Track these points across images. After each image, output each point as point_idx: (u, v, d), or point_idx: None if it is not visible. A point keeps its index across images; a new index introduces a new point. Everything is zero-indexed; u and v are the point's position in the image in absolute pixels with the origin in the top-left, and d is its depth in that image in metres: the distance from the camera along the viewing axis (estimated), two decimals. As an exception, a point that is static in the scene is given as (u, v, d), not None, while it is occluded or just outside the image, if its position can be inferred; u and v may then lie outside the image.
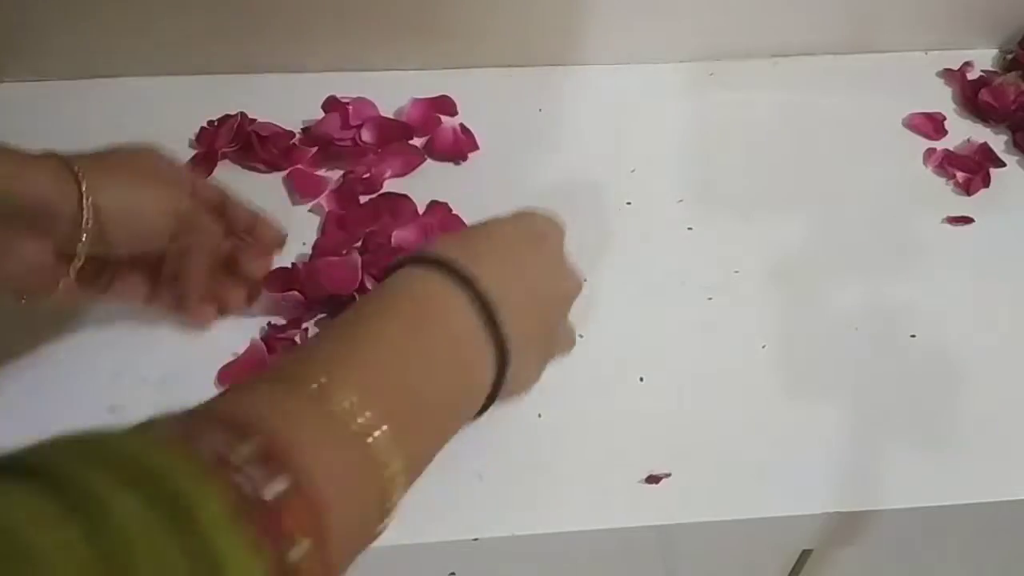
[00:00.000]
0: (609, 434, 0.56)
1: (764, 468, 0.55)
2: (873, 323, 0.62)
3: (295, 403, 0.36)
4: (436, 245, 0.46)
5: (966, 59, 0.80)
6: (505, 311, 0.44)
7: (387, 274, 0.45)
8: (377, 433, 0.36)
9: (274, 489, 0.31)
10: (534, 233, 0.50)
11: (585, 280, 0.53)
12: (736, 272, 0.65)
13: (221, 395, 0.36)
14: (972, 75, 0.79)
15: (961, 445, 0.57)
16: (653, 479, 0.54)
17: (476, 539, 0.52)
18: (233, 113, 0.70)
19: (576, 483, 0.54)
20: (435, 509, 0.52)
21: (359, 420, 0.36)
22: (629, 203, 0.69)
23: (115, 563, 0.27)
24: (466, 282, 0.44)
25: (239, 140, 0.69)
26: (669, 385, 0.59)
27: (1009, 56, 0.81)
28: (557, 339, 0.52)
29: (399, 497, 0.38)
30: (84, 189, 0.50)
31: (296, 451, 0.33)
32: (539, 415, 0.57)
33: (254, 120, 0.70)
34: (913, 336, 0.62)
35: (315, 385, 0.36)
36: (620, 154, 0.72)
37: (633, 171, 0.71)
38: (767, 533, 0.55)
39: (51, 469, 0.29)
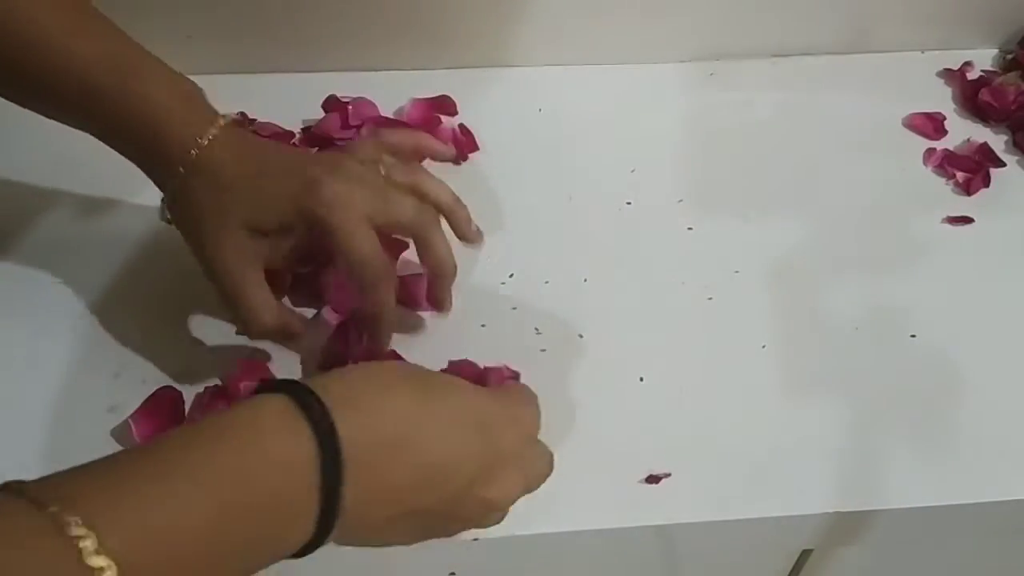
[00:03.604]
0: (609, 434, 0.56)
1: (764, 468, 0.55)
2: (873, 323, 0.62)
3: (32, 539, 0.32)
4: (334, 378, 0.41)
5: (966, 59, 0.80)
6: (355, 461, 0.38)
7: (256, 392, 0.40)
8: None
9: None
10: (487, 418, 0.44)
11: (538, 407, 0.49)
12: (736, 272, 0.65)
13: None
14: (972, 75, 0.79)
15: (961, 445, 0.57)
16: (653, 479, 0.54)
17: (476, 539, 0.52)
18: (233, 113, 0.70)
19: (576, 483, 0.54)
20: (435, 509, 0.52)
21: (93, 561, 0.31)
22: (629, 203, 0.69)
23: None
24: (321, 426, 0.38)
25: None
26: (669, 385, 0.59)
27: (1009, 56, 0.81)
28: (464, 513, 0.45)
29: None
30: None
31: None
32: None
33: (254, 120, 0.70)
34: (913, 336, 0.62)
35: (56, 508, 0.32)
36: (620, 154, 0.72)
37: (633, 171, 0.71)
38: (767, 533, 0.55)
39: None
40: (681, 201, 0.69)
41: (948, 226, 0.69)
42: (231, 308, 0.54)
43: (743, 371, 0.60)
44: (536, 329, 0.61)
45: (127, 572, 0.31)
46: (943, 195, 0.71)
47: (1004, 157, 0.73)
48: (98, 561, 0.31)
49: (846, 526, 0.55)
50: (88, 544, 0.31)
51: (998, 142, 0.74)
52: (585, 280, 0.64)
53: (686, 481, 0.54)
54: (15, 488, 0.33)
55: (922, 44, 0.81)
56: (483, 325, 0.61)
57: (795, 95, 0.77)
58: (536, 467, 0.47)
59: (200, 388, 0.56)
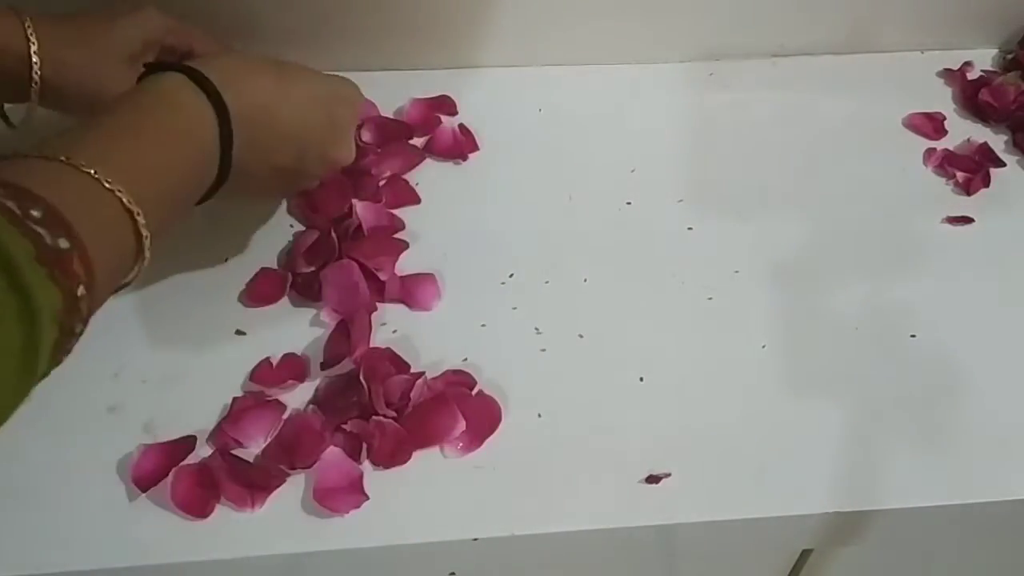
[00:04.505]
0: (609, 434, 0.56)
1: (764, 468, 0.55)
2: (873, 323, 0.62)
3: (60, 174, 0.43)
4: (210, 62, 0.52)
5: (966, 59, 0.80)
6: (239, 125, 0.51)
7: (142, 76, 0.52)
8: (123, 193, 0.44)
9: (62, 244, 0.39)
10: (323, 94, 0.57)
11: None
12: (736, 272, 0.65)
13: None
14: (972, 75, 0.79)
15: (961, 445, 0.57)
16: (653, 479, 0.54)
17: (476, 539, 0.52)
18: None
19: (576, 483, 0.54)
20: (435, 509, 0.52)
21: (107, 184, 0.43)
22: (629, 203, 0.69)
23: None
24: (213, 97, 0.50)
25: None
26: (669, 385, 0.59)
27: (1009, 56, 0.81)
28: (313, 166, 0.57)
29: (148, 244, 0.46)
30: (31, 37, 0.55)
31: (71, 216, 0.40)
32: (539, 415, 0.57)
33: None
34: (913, 336, 0.62)
35: (64, 157, 0.43)
36: (620, 154, 0.72)
37: (633, 171, 0.71)
38: (767, 533, 0.55)
39: None
40: (681, 201, 0.69)
41: (948, 226, 0.69)
42: None
43: (743, 371, 0.60)
44: (536, 329, 0.61)
45: (123, 187, 0.44)
46: (943, 195, 0.71)
47: (1004, 157, 0.73)
48: (107, 183, 0.43)
49: (846, 526, 0.55)
50: (98, 173, 0.43)
51: (998, 142, 0.74)
52: (585, 280, 0.64)
53: (686, 481, 0.54)
54: (21, 152, 0.43)
55: (922, 44, 0.81)
56: (483, 325, 0.61)
57: (795, 95, 0.77)
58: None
59: (201, 386, 0.56)
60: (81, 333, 0.42)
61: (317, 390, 0.57)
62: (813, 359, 0.61)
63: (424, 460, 0.54)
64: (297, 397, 0.57)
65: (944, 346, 0.62)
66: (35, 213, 0.39)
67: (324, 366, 0.58)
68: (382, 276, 0.61)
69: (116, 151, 0.46)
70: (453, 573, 0.54)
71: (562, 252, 0.65)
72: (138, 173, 0.45)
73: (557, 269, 0.64)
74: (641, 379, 0.59)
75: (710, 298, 0.63)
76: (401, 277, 0.62)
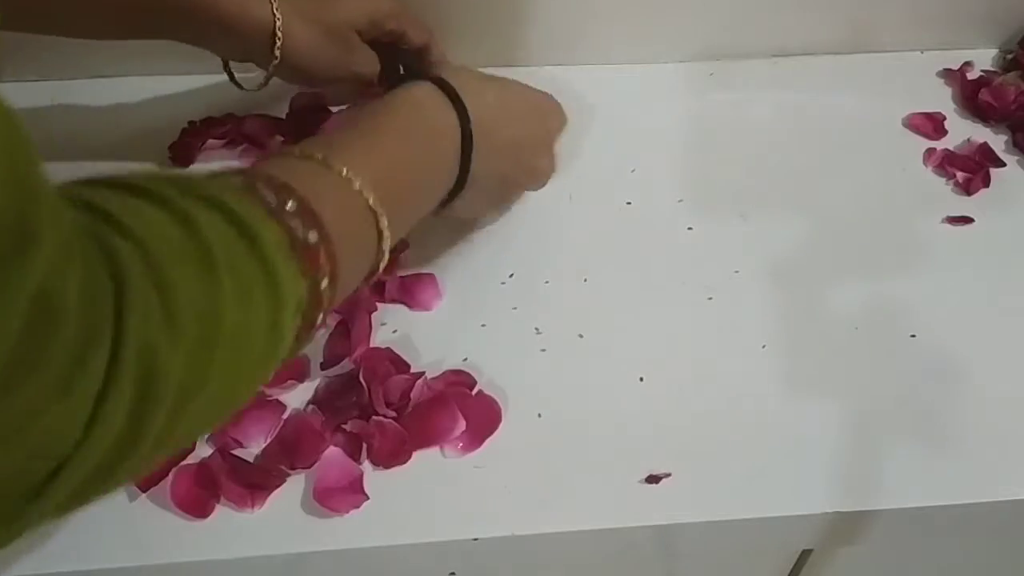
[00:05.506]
0: (609, 434, 0.56)
1: (764, 468, 0.55)
2: (873, 323, 0.62)
3: (316, 172, 0.46)
4: (449, 74, 0.56)
5: (966, 59, 0.80)
6: (477, 131, 0.54)
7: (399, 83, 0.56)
8: (370, 194, 0.47)
9: (311, 237, 0.41)
10: (537, 106, 0.62)
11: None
12: (736, 272, 0.65)
13: (259, 163, 0.47)
14: (972, 75, 0.79)
15: (961, 445, 0.57)
16: (653, 479, 0.54)
17: (476, 539, 0.52)
18: (233, 112, 0.70)
19: (576, 483, 0.54)
20: (435, 509, 0.52)
21: (356, 185, 0.46)
22: (629, 203, 0.69)
23: (206, 254, 0.36)
24: (458, 105, 0.54)
25: (239, 139, 0.70)
26: (669, 385, 0.59)
27: (1009, 56, 0.81)
28: (524, 176, 0.62)
29: (387, 246, 0.48)
30: (277, 13, 0.58)
31: (321, 211, 0.43)
32: (539, 415, 0.57)
33: (244, 118, 0.71)
34: (913, 336, 0.62)
35: (320, 156, 0.47)
36: (620, 154, 0.72)
37: (633, 171, 0.71)
38: (767, 533, 0.55)
39: (148, 188, 0.37)
40: (681, 201, 0.69)
41: (948, 226, 0.69)
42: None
43: (743, 371, 0.59)
44: (536, 329, 0.61)
45: (370, 189, 0.47)
46: (943, 195, 0.71)
47: (1004, 157, 0.73)
48: (356, 184, 0.46)
49: (846, 526, 0.55)
50: (349, 174, 0.46)
51: (998, 142, 0.74)
52: (585, 280, 0.64)
53: (686, 481, 0.54)
54: (284, 151, 0.49)
55: (922, 44, 0.81)
56: (483, 325, 0.61)
57: (795, 95, 0.77)
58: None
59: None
60: (322, 324, 0.44)
61: (317, 390, 0.57)
62: (813, 359, 0.61)
63: (424, 460, 0.54)
64: (297, 397, 0.57)
65: (944, 346, 0.62)
66: (290, 206, 0.41)
67: (324, 366, 0.58)
68: (382, 276, 0.61)
69: (367, 155, 0.49)
70: (453, 573, 0.54)
71: (562, 252, 0.65)
72: (384, 177, 0.48)
73: (557, 269, 0.64)
74: (641, 379, 0.59)
75: (710, 298, 0.63)
76: (401, 277, 0.62)
